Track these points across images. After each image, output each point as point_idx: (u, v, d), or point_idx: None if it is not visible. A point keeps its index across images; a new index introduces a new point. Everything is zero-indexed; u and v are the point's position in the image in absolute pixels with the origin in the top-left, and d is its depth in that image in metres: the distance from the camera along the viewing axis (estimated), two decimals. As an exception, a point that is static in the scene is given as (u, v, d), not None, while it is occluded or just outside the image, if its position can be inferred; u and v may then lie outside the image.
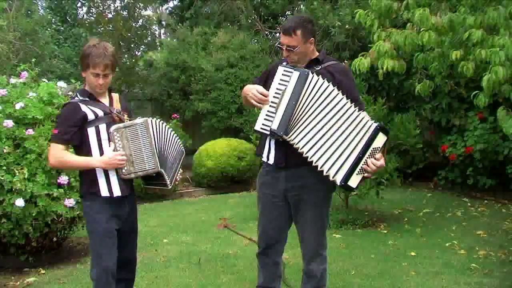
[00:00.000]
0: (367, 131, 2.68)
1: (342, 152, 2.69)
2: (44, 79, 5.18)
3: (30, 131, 4.14)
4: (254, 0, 10.79)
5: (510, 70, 3.43)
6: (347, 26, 7.97)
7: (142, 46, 11.87)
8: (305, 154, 2.69)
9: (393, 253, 4.78)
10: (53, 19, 13.68)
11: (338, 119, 2.69)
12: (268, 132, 2.76)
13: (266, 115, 2.76)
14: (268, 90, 2.80)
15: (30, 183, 4.01)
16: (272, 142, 2.89)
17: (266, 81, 2.92)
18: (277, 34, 10.63)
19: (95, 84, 2.75)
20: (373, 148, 2.69)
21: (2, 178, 3.95)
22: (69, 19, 14.09)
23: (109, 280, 2.76)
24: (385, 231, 5.55)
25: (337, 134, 2.69)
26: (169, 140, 2.94)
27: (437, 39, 3.73)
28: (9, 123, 4.10)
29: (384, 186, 5.71)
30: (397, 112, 6.95)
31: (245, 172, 8.24)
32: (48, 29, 12.41)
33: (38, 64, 6.52)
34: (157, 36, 13.76)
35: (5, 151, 4.04)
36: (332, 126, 2.69)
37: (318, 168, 2.68)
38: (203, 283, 4.05)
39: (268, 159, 2.92)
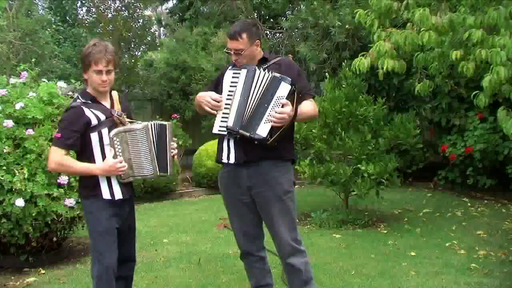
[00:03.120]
0: (272, 85, 2.80)
1: (258, 111, 2.81)
2: (44, 79, 5.17)
3: (30, 131, 4.13)
4: (254, 0, 10.78)
5: (511, 70, 3.43)
6: (347, 26, 7.95)
7: (142, 46, 11.86)
8: (260, 137, 2.77)
9: (393, 253, 4.78)
10: (53, 19, 13.66)
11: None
12: (225, 132, 2.86)
13: (222, 117, 2.87)
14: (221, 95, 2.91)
15: (30, 183, 4.01)
16: (231, 142, 2.95)
17: (216, 88, 3.01)
18: (277, 34, 10.62)
19: (99, 82, 2.72)
20: (277, 97, 2.78)
21: (2, 178, 3.95)
22: (69, 19, 14.08)
23: (110, 278, 2.77)
24: (385, 231, 5.55)
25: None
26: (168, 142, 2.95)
27: (437, 39, 3.73)
28: (9, 123, 4.10)
29: (384, 186, 5.71)
30: (397, 112, 6.92)
31: (245, 172, 8.21)
32: (48, 29, 12.38)
33: (38, 64, 6.53)
34: (157, 36, 13.76)
35: (5, 151, 4.04)
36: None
37: (249, 135, 2.78)
38: (203, 283, 4.05)
39: (228, 159, 2.97)
